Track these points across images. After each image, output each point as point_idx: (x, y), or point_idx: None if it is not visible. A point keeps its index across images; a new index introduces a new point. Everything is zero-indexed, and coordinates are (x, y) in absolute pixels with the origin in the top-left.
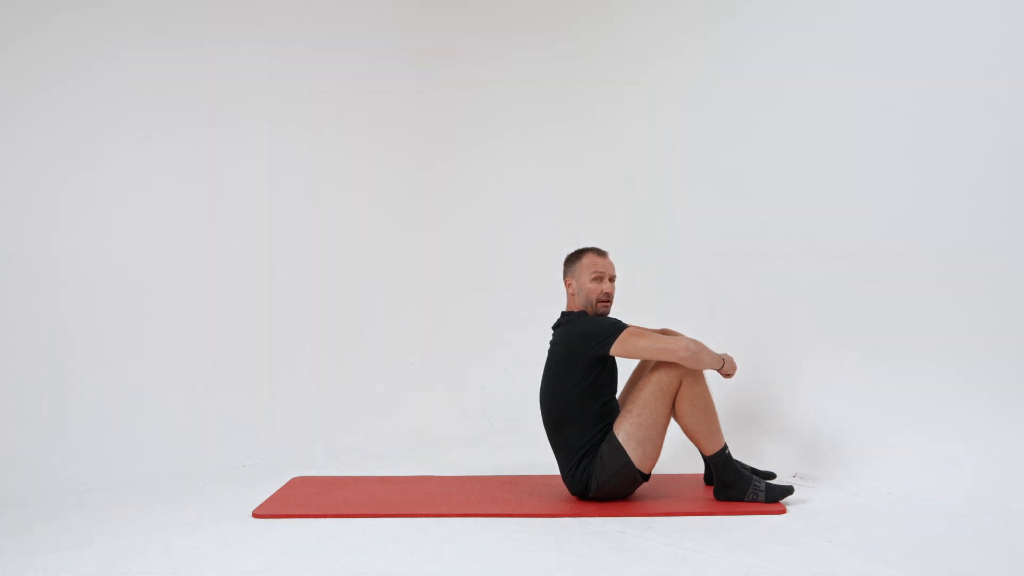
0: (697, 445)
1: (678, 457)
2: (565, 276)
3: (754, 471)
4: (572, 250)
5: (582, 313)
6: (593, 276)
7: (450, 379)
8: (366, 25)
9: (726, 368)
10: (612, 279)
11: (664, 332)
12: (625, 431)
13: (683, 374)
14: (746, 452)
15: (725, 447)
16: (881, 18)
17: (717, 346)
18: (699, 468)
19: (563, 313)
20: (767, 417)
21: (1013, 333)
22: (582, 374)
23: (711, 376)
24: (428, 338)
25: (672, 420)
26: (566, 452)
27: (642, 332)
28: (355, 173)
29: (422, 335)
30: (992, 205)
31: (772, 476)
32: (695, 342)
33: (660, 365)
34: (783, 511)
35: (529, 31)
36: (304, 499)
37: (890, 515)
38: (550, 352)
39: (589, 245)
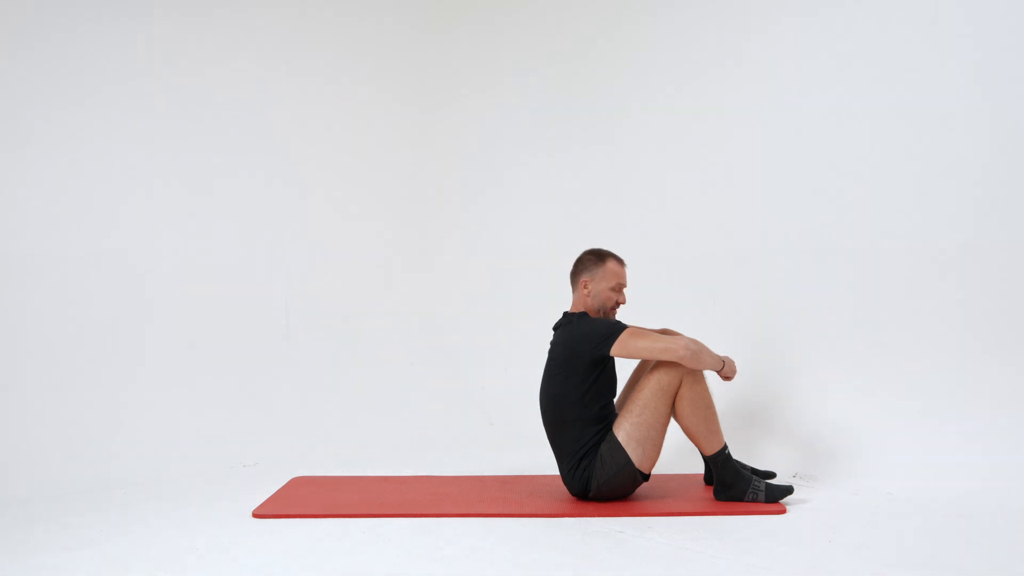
0: (697, 445)
1: (678, 457)
2: (582, 274)
3: (754, 471)
4: (591, 248)
5: (583, 314)
6: (614, 286)
7: (450, 379)
8: (367, 25)
9: (726, 370)
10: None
11: (664, 332)
12: (625, 431)
13: (683, 374)
14: (746, 452)
15: (725, 447)
16: (880, 18)
17: (718, 346)
18: (699, 468)
19: (565, 313)
20: (767, 417)
21: (1013, 333)
22: (582, 375)
23: (711, 376)
24: (428, 338)
25: (672, 420)
26: (566, 453)
27: (642, 332)
28: (356, 173)
29: (422, 335)
30: (992, 205)
31: (772, 476)
32: (695, 342)
33: (660, 365)
34: (783, 511)
35: (531, 32)
36: (304, 499)
37: (890, 515)
38: (550, 352)
39: (608, 249)
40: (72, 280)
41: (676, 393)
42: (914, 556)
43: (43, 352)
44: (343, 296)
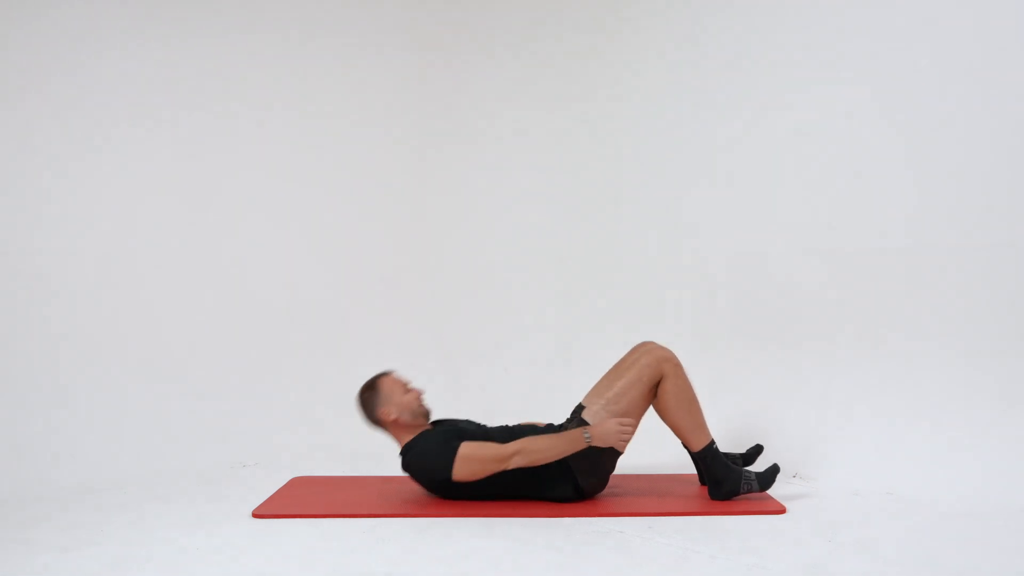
0: (684, 440)
1: (678, 457)
2: (377, 410)
3: (735, 459)
4: (358, 390)
5: (410, 446)
6: (402, 390)
7: (450, 379)
8: (366, 20)
9: (597, 441)
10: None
11: (533, 425)
12: (595, 413)
13: (664, 368)
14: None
15: (712, 441)
16: (880, 19)
17: (717, 348)
18: None
19: (401, 451)
20: (767, 416)
21: (1013, 333)
22: (458, 484)
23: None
24: (428, 338)
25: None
26: (538, 492)
27: (478, 445)
28: (355, 173)
29: (422, 335)
30: (992, 205)
31: (760, 450)
32: (535, 446)
33: (638, 360)
34: (783, 511)
35: (529, 29)
36: (304, 499)
37: (890, 515)
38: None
39: (369, 377)
40: (72, 280)
41: (656, 386)
42: (914, 556)
43: (43, 352)
44: (343, 296)
